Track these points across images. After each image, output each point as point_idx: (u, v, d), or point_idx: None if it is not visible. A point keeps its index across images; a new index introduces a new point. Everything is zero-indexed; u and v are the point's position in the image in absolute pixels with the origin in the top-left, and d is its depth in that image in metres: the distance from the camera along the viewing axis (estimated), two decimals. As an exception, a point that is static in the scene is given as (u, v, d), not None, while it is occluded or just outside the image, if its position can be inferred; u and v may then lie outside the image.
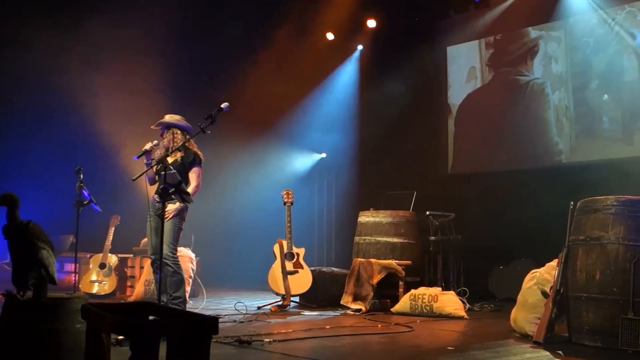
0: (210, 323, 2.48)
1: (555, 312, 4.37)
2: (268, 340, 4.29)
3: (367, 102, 9.59)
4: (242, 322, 5.28)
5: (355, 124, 9.77)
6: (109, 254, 7.26)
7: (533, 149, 7.96)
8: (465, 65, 8.88)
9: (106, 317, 2.54)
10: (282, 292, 6.44)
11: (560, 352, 4.01)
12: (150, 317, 2.90)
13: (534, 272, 4.82)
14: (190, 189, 5.19)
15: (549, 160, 7.81)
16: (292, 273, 6.52)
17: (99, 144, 8.44)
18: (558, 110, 7.80)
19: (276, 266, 6.56)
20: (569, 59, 7.76)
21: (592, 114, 7.50)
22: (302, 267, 6.59)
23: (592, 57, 7.55)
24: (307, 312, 6.22)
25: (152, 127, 5.30)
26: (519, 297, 4.85)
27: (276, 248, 6.64)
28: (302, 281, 6.53)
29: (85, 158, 7.12)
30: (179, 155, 5.18)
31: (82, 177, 5.55)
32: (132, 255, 7.65)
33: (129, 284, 7.50)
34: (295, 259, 6.61)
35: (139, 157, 4.85)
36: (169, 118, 5.26)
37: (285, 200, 6.77)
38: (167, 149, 5.09)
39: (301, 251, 6.69)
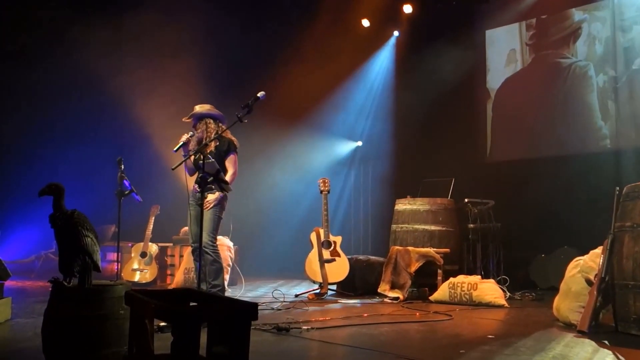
0: (250, 309, 2.50)
1: (600, 301, 4.26)
2: (306, 327, 4.30)
3: (404, 88, 9.48)
4: (280, 309, 5.32)
5: (392, 111, 9.69)
6: (150, 243, 7.39)
7: (576, 133, 7.76)
8: (504, 49, 8.69)
9: (149, 303, 2.57)
10: (320, 280, 6.45)
11: (606, 341, 3.91)
12: (192, 304, 2.94)
13: (577, 260, 4.70)
14: (227, 177, 5.23)
15: (593, 145, 7.60)
16: (329, 261, 6.52)
17: (139, 135, 8.59)
18: (602, 93, 7.58)
19: (313, 254, 6.57)
20: (614, 40, 7.52)
21: (639, 96, 7.27)
22: (339, 255, 6.59)
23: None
24: (344, 300, 6.22)
25: (183, 119, 5.33)
26: (562, 286, 4.75)
27: (313, 236, 6.64)
28: (339, 269, 6.53)
29: (126, 149, 7.26)
30: (213, 145, 5.21)
31: (123, 167, 5.63)
32: (172, 244, 7.76)
33: (169, 272, 7.62)
34: (332, 247, 6.60)
35: (176, 150, 4.90)
36: (199, 108, 5.28)
37: (322, 188, 6.77)
38: (201, 140, 5.13)
39: (338, 239, 6.68)
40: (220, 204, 5.23)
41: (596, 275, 4.34)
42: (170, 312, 2.48)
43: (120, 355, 3.02)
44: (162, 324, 3.84)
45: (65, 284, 3.15)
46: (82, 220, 3.24)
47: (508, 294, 6.19)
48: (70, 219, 3.20)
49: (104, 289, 3.13)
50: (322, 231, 6.63)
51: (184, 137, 4.94)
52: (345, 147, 10.36)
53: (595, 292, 4.25)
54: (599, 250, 4.45)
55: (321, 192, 6.78)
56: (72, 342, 2.98)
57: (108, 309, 3.10)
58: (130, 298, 2.81)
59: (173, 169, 4.61)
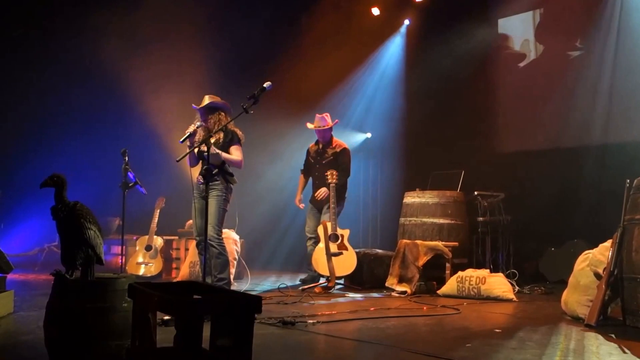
0: (253, 302, 2.46)
1: (609, 295, 4.21)
2: (312, 321, 4.27)
3: (414, 79, 9.38)
4: (286, 303, 5.28)
5: (402, 102, 9.58)
6: (155, 236, 7.35)
7: (588, 125, 7.65)
8: (518, 38, 8.56)
9: (152, 295, 2.55)
10: (327, 273, 6.41)
11: (612, 335, 3.87)
12: (195, 296, 2.91)
13: (586, 253, 4.65)
14: (231, 157, 5.17)
15: (604, 137, 7.50)
16: (336, 255, 6.47)
17: (144, 126, 8.55)
18: (614, 84, 7.45)
19: (320, 248, 6.53)
20: (627, 29, 7.38)
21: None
22: (346, 249, 6.54)
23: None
24: (351, 294, 6.18)
25: (195, 107, 5.29)
26: (571, 279, 4.70)
27: (320, 230, 6.60)
28: (346, 263, 6.48)
29: (131, 140, 7.22)
30: (220, 136, 5.20)
31: (127, 159, 5.61)
32: (177, 237, 7.74)
33: (174, 265, 7.60)
34: (339, 241, 6.55)
35: (183, 141, 4.88)
36: (210, 99, 5.26)
37: (329, 181, 6.70)
38: (210, 131, 5.10)
39: (346, 232, 6.63)
40: (225, 196, 5.22)
41: (605, 268, 4.28)
42: (172, 304, 2.46)
43: (124, 348, 3.00)
44: (167, 317, 3.83)
45: (68, 276, 3.13)
46: (85, 213, 3.21)
47: (517, 287, 6.15)
48: (72, 211, 3.17)
49: (106, 282, 3.11)
50: (329, 224, 6.58)
51: (191, 128, 4.92)
52: (355, 139, 10.28)
53: (603, 286, 4.20)
54: (608, 243, 4.39)
55: (328, 184, 6.72)
56: (74, 335, 2.96)
57: (111, 301, 3.08)
58: (133, 290, 2.79)
59: (178, 161, 4.59)
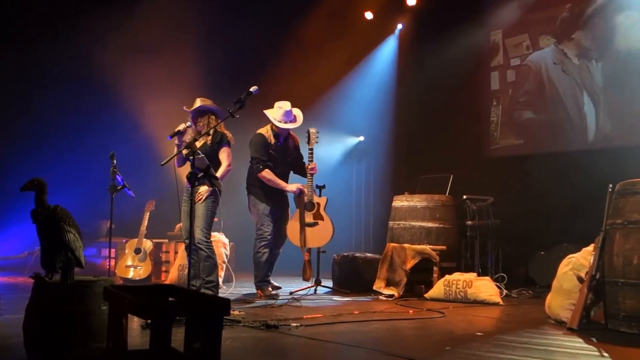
0: (221, 304, 2.49)
1: (591, 298, 4.23)
2: (295, 324, 4.28)
3: (406, 83, 9.41)
4: (273, 307, 5.29)
5: (394, 106, 9.60)
6: (144, 239, 7.34)
7: (577, 129, 7.67)
8: (510, 42, 8.55)
9: (125, 298, 2.58)
10: (298, 244, 6.12)
11: (593, 338, 3.88)
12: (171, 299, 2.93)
13: (570, 258, 4.68)
14: (222, 169, 5.26)
15: (594, 142, 7.51)
16: (311, 225, 6.13)
17: (133, 129, 8.55)
18: (601, 89, 7.48)
19: (295, 217, 6.19)
20: (617, 34, 7.40)
21: (635, 94, 7.16)
22: (322, 219, 6.14)
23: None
24: (338, 298, 6.18)
25: (185, 108, 5.33)
26: (554, 283, 4.73)
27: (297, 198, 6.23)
28: (320, 233, 6.12)
29: (120, 143, 7.21)
30: (208, 138, 5.23)
31: (115, 162, 5.62)
32: (167, 241, 7.75)
33: (164, 269, 7.60)
34: (315, 209, 6.15)
35: (172, 137, 4.93)
36: (201, 102, 5.31)
37: (311, 139, 6.17)
38: (199, 133, 5.14)
39: (322, 200, 6.21)
40: (213, 199, 5.24)
41: (587, 272, 4.31)
42: (142, 307, 2.49)
43: (101, 351, 3.01)
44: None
45: (47, 279, 3.15)
46: (65, 216, 3.24)
47: (505, 291, 6.16)
48: (52, 214, 3.20)
49: (85, 285, 3.13)
50: (306, 189, 6.15)
51: (181, 126, 4.97)
52: (347, 142, 10.30)
53: (585, 290, 4.22)
54: (591, 247, 4.42)
55: (308, 143, 6.16)
56: (52, 338, 2.98)
57: (89, 304, 3.10)
58: (109, 294, 2.81)
59: (162, 164, 4.59)
